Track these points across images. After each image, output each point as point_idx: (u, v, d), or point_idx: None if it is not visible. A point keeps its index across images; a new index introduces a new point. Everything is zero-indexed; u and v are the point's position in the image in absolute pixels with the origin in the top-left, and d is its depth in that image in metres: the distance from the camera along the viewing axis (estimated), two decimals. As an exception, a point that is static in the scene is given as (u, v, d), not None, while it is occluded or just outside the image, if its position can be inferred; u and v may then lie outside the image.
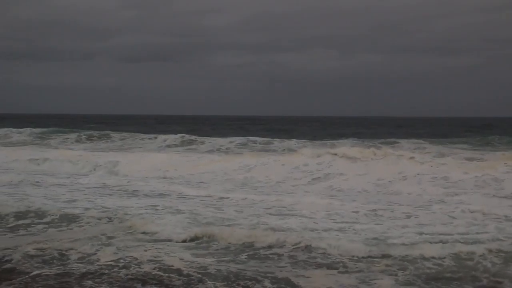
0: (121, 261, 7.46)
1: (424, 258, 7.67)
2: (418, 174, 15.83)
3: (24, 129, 37.96)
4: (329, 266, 7.47)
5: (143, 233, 9.20)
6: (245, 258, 7.85)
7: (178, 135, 31.69)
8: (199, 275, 6.92)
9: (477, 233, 9.15)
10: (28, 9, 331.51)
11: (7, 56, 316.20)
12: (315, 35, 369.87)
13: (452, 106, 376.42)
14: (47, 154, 22.92)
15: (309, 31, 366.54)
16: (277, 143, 28.22)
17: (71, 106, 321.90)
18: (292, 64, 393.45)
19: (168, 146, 29.47)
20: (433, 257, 7.70)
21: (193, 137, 30.90)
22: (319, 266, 7.50)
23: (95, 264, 7.38)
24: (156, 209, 11.38)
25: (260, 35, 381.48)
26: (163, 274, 6.94)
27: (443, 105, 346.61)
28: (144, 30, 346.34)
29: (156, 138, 31.64)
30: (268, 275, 7.00)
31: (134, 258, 7.59)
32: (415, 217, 10.70)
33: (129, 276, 6.85)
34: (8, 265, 7.32)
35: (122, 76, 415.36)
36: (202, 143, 29.27)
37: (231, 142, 28.65)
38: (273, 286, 6.66)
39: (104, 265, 7.31)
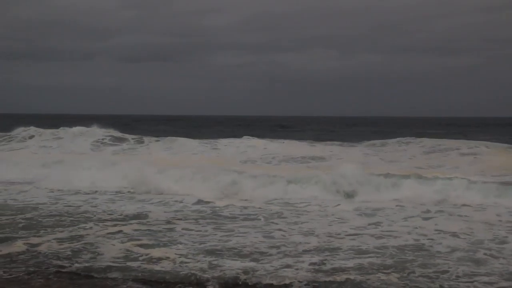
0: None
1: None
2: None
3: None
4: None
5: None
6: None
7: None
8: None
9: None
10: (28, 9, 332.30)
11: (7, 56, 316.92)
12: (315, 35, 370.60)
13: (452, 106, 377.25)
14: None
15: (309, 31, 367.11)
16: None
17: (71, 106, 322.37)
18: (292, 64, 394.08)
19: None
20: None
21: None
22: None
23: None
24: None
25: (260, 35, 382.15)
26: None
27: (443, 105, 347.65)
28: (144, 30, 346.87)
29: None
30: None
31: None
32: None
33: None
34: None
35: (122, 76, 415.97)
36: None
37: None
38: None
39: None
